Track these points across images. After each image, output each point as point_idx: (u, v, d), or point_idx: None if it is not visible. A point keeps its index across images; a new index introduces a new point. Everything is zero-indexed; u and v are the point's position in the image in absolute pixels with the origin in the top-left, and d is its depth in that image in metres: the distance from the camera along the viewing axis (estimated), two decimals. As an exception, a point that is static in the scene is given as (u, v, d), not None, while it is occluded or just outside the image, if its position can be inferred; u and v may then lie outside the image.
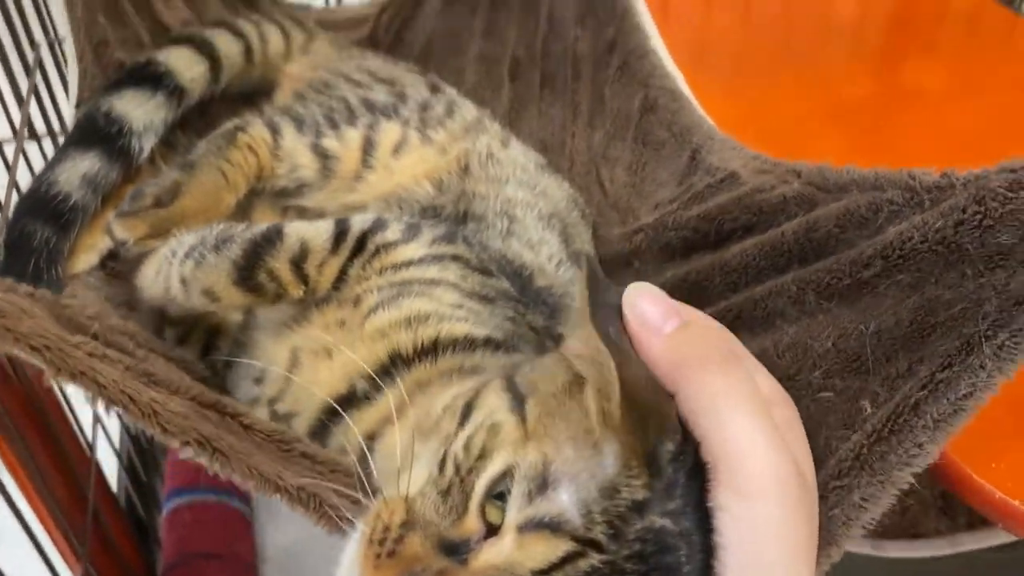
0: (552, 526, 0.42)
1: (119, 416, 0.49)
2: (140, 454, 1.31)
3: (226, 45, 0.90)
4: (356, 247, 0.67)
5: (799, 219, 0.64)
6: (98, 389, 0.42)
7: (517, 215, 0.78)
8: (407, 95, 0.86)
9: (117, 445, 1.14)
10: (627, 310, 0.48)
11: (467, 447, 0.46)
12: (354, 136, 0.80)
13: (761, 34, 1.19)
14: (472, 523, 0.44)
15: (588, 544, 0.42)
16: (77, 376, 0.43)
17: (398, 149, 0.79)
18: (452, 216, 0.78)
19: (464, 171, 0.79)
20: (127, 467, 1.15)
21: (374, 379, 0.58)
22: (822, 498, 0.53)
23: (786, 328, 0.61)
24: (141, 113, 0.80)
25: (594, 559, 0.41)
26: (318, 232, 0.67)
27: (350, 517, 0.48)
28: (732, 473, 0.44)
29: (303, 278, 0.66)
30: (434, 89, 0.89)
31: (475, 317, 0.62)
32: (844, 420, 0.55)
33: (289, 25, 0.98)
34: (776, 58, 1.13)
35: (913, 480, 0.51)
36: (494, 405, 0.48)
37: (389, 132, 0.81)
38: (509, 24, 0.99)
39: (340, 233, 0.68)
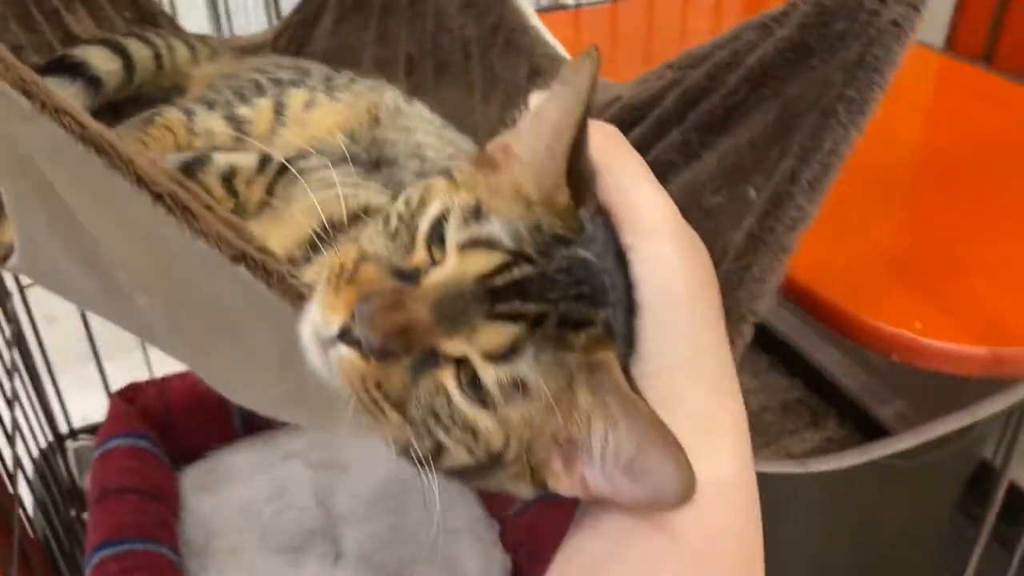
0: (487, 243, 0.48)
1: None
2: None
3: (137, 50, 0.96)
4: (280, 169, 0.73)
5: (675, 92, 0.73)
6: (80, 128, 0.45)
7: (428, 156, 0.84)
8: (311, 72, 0.93)
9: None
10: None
11: (407, 202, 0.52)
12: (264, 103, 0.86)
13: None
14: (421, 255, 0.49)
15: (520, 256, 0.47)
16: (61, 113, 0.45)
17: (308, 106, 0.86)
18: (366, 163, 0.83)
19: (375, 121, 0.86)
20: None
21: (314, 243, 0.63)
22: (726, 286, 0.60)
23: (677, 178, 0.69)
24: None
25: (527, 268, 0.47)
26: (245, 158, 0.74)
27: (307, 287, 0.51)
28: (632, 219, 0.51)
29: (233, 192, 0.71)
30: (335, 70, 0.96)
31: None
32: (734, 219, 0.62)
33: (194, 41, 1.05)
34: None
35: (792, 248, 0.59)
36: (423, 182, 0.54)
37: (297, 95, 0.87)
38: (399, 28, 1.09)
39: (264, 159, 0.74)
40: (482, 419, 0.48)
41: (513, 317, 0.46)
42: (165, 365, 1.56)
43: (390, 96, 0.90)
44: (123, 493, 1.33)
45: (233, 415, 1.55)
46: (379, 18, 1.10)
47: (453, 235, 0.48)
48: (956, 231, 0.92)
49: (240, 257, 0.50)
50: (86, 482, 1.49)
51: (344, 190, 0.69)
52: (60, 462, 1.50)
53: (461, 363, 0.47)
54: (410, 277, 0.48)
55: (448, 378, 0.48)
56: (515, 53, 1.00)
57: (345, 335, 0.47)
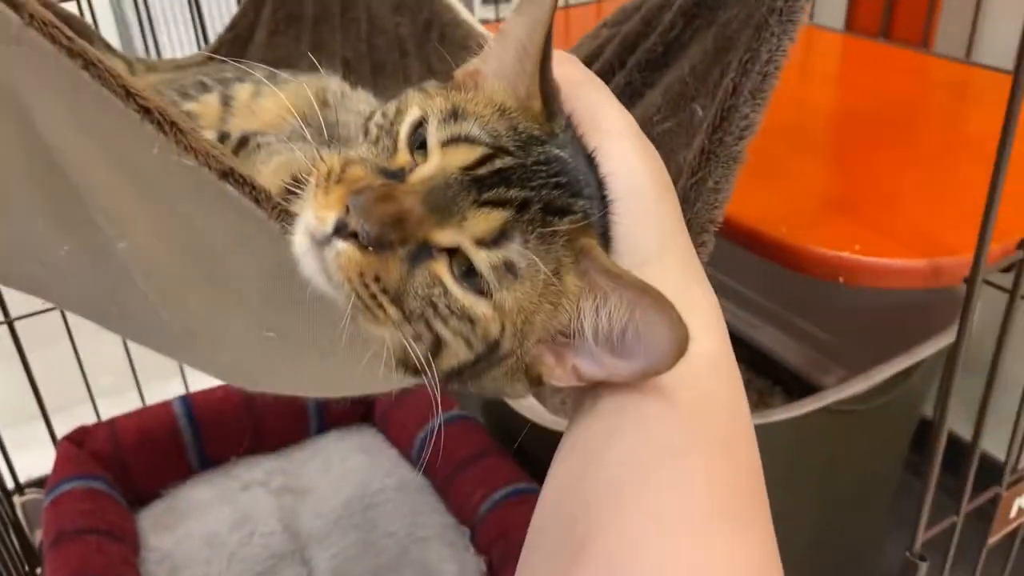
0: (467, 139, 0.50)
1: None
2: None
3: None
4: (239, 143, 0.74)
5: (613, 43, 0.77)
6: (68, 41, 0.46)
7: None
8: (255, 68, 0.95)
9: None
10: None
11: (384, 114, 0.54)
12: (211, 97, 0.88)
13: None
14: (404, 156, 0.51)
15: (500, 150, 0.50)
16: (49, 25, 0.46)
17: (255, 96, 0.88)
18: (320, 142, 0.86)
19: (324, 104, 0.88)
20: None
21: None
22: (685, 202, 0.64)
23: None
24: None
25: (507, 159, 0.50)
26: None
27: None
28: (596, 124, 0.56)
29: None
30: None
31: None
32: (685, 139, 0.66)
33: (131, 58, 1.06)
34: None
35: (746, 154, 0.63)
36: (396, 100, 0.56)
37: (243, 88, 0.89)
38: (333, 35, 1.12)
39: (223, 135, 0.75)
40: (478, 306, 0.50)
41: (499, 203, 0.49)
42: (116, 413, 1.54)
43: (335, 82, 0.93)
44: (80, 535, 1.29)
45: (188, 450, 1.52)
46: (312, 28, 1.13)
47: (434, 134, 0.51)
48: (877, 171, 0.99)
49: (227, 173, 0.51)
50: (37, 537, 1.44)
51: (306, 151, 0.71)
52: (8, 517, 1.44)
53: (454, 254, 0.49)
54: (396, 176, 0.50)
55: (443, 268, 0.50)
56: (450, 45, 1.04)
57: (341, 230, 0.48)
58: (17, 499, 1.50)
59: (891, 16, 1.37)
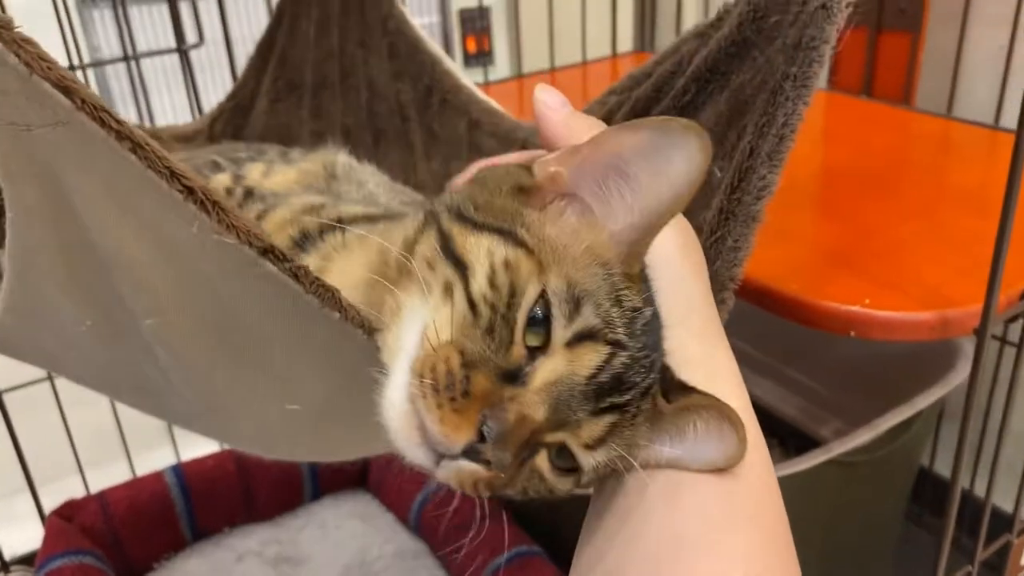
0: (590, 335, 0.49)
1: None
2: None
3: None
4: (246, 194, 0.76)
5: (623, 110, 0.79)
6: (117, 125, 0.46)
7: (381, 202, 0.88)
8: (267, 150, 0.97)
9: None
10: (537, 96, 0.60)
11: (494, 286, 0.50)
12: (222, 177, 0.88)
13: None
14: (519, 351, 0.49)
15: (615, 345, 0.50)
16: (100, 110, 0.46)
17: (266, 175, 0.89)
18: None
19: (331, 176, 0.89)
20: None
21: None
22: (706, 259, 0.65)
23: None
24: None
25: (623, 357, 0.50)
26: (216, 180, 0.77)
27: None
28: None
29: None
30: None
31: (367, 205, 0.72)
32: (704, 200, 0.68)
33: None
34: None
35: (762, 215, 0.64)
36: (484, 244, 0.51)
37: (255, 167, 0.90)
38: (334, 101, 1.13)
39: (229, 189, 0.77)
40: (566, 484, 0.52)
41: (611, 409, 0.50)
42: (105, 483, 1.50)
43: (343, 156, 0.94)
44: (74, 614, 1.25)
45: (180, 521, 1.49)
46: (312, 95, 1.14)
47: (560, 331, 0.49)
48: (872, 224, 1.01)
49: (267, 250, 0.51)
50: (24, 617, 1.40)
51: (314, 199, 0.72)
52: (-6, 598, 1.40)
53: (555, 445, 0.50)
54: (515, 377, 0.49)
55: (544, 463, 0.50)
56: (452, 111, 1.05)
57: (471, 453, 0.47)
58: (3, 578, 1.46)
59: (872, 73, 1.41)
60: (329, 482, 1.61)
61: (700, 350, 0.54)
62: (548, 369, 0.49)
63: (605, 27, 1.75)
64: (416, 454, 0.49)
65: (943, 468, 1.63)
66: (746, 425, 0.51)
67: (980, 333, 0.80)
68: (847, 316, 0.83)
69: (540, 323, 0.49)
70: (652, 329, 0.52)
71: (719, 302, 0.65)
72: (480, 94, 1.06)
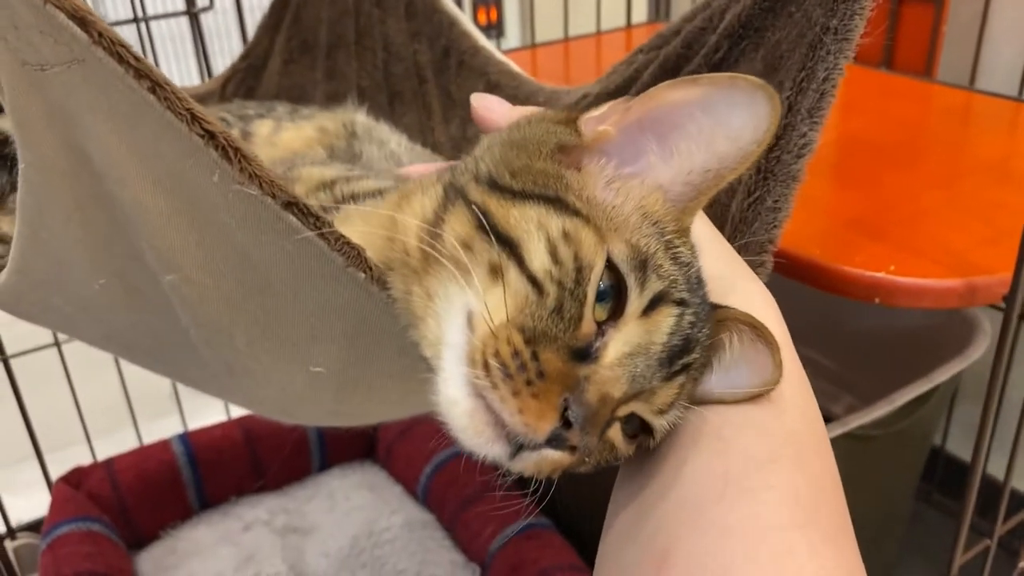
0: (661, 299, 0.47)
1: None
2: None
3: None
4: None
5: (652, 67, 0.77)
6: (135, 61, 0.44)
7: (404, 161, 0.86)
8: (276, 107, 0.95)
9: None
10: (474, 104, 0.59)
11: (556, 261, 0.47)
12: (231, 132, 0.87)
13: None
14: (589, 327, 0.47)
15: (682, 304, 0.48)
16: (117, 44, 0.44)
17: (274, 132, 0.87)
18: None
19: (352, 135, 0.88)
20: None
21: None
22: (743, 223, 0.64)
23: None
24: None
25: (689, 314, 0.48)
26: None
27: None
28: None
29: None
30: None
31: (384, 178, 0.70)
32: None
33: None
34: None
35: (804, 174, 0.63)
36: (532, 215, 0.49)
37: (263, 123, 0.88)
38: (349, 62, 1.11)
39: None
40: (632, 449, 0.50)
41: (682, 370, 0.48)
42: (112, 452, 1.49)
43: (362, 115, 0.92)
44: (81, 579, 1.24)
45: (188, 490, 1.48)
46: (327, 56, 1.12)
47: (636, 301, 0.47)
48: (895, 193, 0.99)
49: (291, 203, 0.49)
50: (30, 583, 1.39)
51: (325, 173, 0.70)
52: (1, 563, 1.39)
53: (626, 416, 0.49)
54: (585, 354, 0.46)
55: (618, 435, 0.49)
56: (469, 73, 1.03)
57: (555, 441, 0.45)
58: (9, 544, 1.45)
59: (893, 46, 1.39)
60: (337, 453, 1.60)
61: (739, 284, 0.54)
62: (622, 341, 0.47)
63: (620, -2, 1.73)
64: (490, 450, 0.46)
65: (955, 447, 1.63)
66: (787, 363, 0.49)
67: (1009, 300, 0.78)
68: (871, 282, 0.81)
69: (606, 295, 0.47)
70: (703, 283, 0.51)
71: (758, 265, 0.63)
72: (499, 55, 1.04)
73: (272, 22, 1.14)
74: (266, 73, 1.15)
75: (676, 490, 0.48)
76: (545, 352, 0.45)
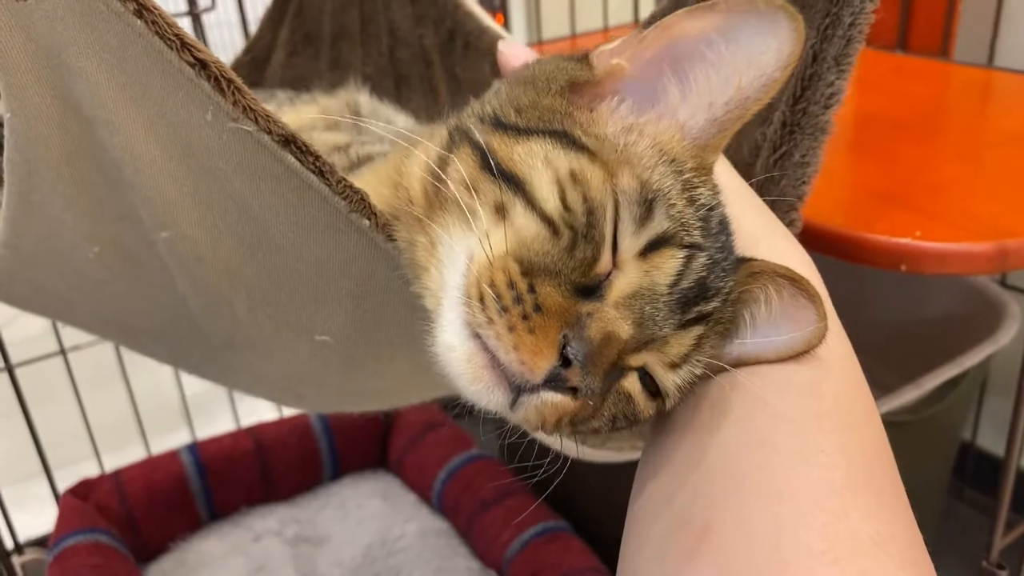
0: (665, 240, 0.45)
1: None
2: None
3: None
4: None
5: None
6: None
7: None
8: (275, 94, 0.93)
9: None
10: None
11: (566, 202, 0.45)
12: None
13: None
14: (605, 264, 0.44)
15: (693, 247, 0.45)
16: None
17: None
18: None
19: (356, 114, 0.86)
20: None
21: None
22: (769, 180, 0.61)
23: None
24: None
25: (702, 258, 0.45)
26: None
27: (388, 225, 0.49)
28: None
29: None
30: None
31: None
32: (761, 112, 0.63)
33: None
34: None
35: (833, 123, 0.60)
36: (538, 151, 0.46)
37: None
38: (354, 51, 1.10)
39: None
40: (651, 408, 0.47)
41: (698, 320, 0.45)
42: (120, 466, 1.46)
43: (365, 96, 0.90)
44: (88, 591, 1.21)
45: (197, 501, 1.45)
46: (331, 46, 1.11)
47: (630, 239, 0.44)
48: (917, 164, 0.97)
49: (289, 140, 0.46)
50: (38, 599, 1.36)
51: (339, 138, 0.68)
52: (7, 579, 1.36)
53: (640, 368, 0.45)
54: (593, 291, 0.44)
55: (634, 383, 0.46)
56: (475, 54, 1.02)
57: (553, 381, 0.42)
58: (17, 559, 1.42)
59: (908, 27, 1.36)
60: (349, 461, 1.57)
61: (771, 242, 0.51)
62: (625, 281, 0.44)
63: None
64: (490, 397, 0.43)
65: (985, 442, 1.58)
66: (831, 321, 0.46)
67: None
68: (897, 249, 0.78)
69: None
70: (727, 229, 0.48)
71: (788, 223, 0.60)
72: (504, 34, 1.02)
73: (275, 15, 1.13)
74: (269, 67, 1.13)
75: (711, 459, 0.45)
76: (544, 286, 0.43)
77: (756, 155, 0.62)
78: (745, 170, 0.64)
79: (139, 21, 0.43)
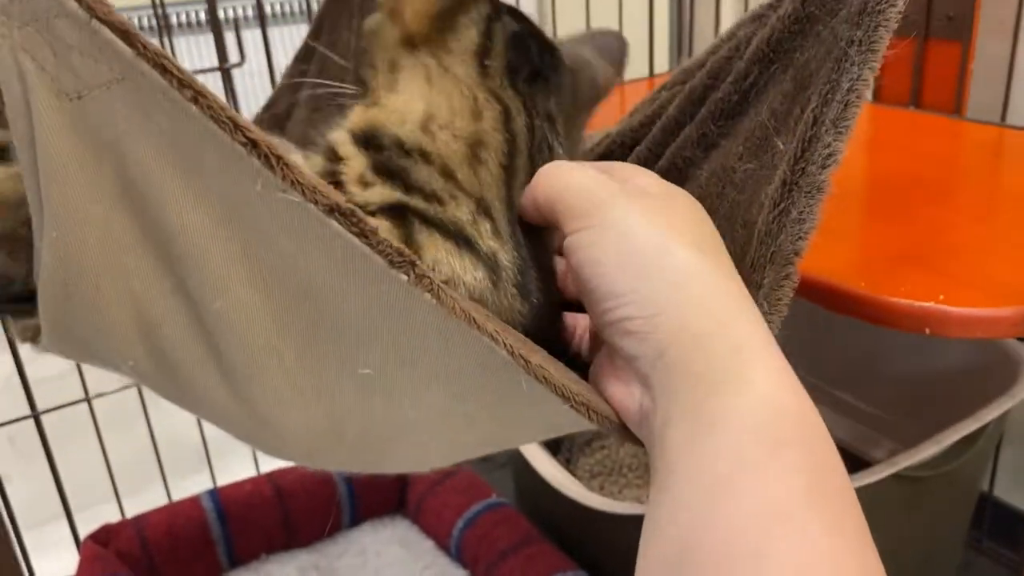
0: None
1: None
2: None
3: None
4: None
5: (677, 101, 0.77)
6: (179, 73, 0.44)
7: None
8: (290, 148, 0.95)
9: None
10: None
11: None
12: None
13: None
14: None
15: None
16: (159, 55, 0.44)
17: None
18: None
19: None
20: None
21: None
22: (769, 235, 0.63)
23: (702, 170, 0.73)
24: None
25: None
26: None
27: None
28: None
29: None
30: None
31: None
32: (768, 174, 0.65)
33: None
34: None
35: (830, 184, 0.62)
36: None
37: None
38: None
39: None
40: None
41: None
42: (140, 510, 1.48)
43: None
44: (109, 639, 1.22)
45: (217, 547, 1.46)
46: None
47: None
48: (938, 228, 0.98)
49: (334, 209, 0.48)
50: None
51: None
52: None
53: None
54: None
55: None
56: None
57: None
58: (38, 606, 1.43)
59: (920, 84, 1.38)
60: (368, 507, 1.58)
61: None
62: None
63: (642, 48, 1.74)
64: None
65: (1003, 493, 1.57)
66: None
67: (1059, 329, 0.76)
68: (921, 313, 0.79)
69: None
70: None
71: (784, 276, 0.61)
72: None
73: (296, 72, 1.15)
74: (290, 123, 1.16)
75: (683, 494, 0.46)
76: None
77: (761, 210, 0.64)
78: (748, 228, 0.65)
79: (194, 107, 0.45)
